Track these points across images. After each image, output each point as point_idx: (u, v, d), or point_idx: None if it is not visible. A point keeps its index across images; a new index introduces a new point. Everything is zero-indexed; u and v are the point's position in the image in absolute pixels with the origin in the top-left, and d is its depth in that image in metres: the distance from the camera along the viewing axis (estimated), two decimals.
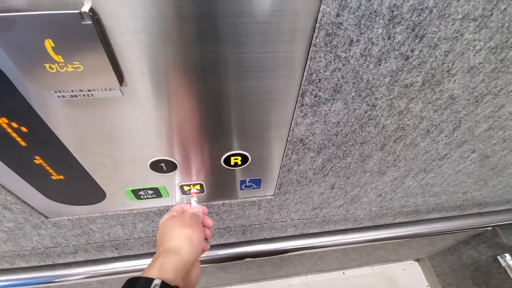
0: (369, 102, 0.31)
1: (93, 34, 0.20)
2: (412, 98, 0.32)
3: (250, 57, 0.24)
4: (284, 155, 0.38)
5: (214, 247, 0.57)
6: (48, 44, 0.20)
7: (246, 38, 0.23)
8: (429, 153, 0.42)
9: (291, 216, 0.57)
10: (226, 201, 0.47)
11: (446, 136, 0.39)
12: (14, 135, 0.28)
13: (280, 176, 0.42)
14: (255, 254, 0.56)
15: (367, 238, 0.63)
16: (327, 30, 0.23)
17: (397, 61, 0.27)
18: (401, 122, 0.35)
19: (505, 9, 0.24)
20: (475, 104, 0.34)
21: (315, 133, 0.34)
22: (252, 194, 0.46)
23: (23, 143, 0.29)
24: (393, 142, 0.39)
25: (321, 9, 0.21)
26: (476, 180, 0.53)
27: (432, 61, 0.27)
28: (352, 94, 0.30)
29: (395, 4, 0.22)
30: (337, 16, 0.22)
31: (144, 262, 0.53)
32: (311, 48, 0.24)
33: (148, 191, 0.40)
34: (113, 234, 0.51)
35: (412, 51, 0.26)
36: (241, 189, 0.44)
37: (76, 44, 0.21)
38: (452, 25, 0.24)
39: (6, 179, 0.34)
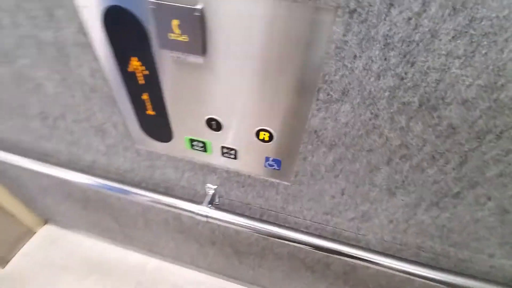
0: (372, 111, 0.39)
1: (199, 21, 0.36)
2: (411, 117, 0.38)
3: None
4: (302, 142, 0.47)
5: (238, 215, 0.66)
6: (175, 22, 0.37)
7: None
8: (439, 184, 0.45)
9: (303, 213, 0.63)
10: (252, 175, 0.58)
11: (454, 169, 0.42)
12: (139, 74, 0.46)
13: (297, 163, 0.52)
14: (276, 235, 0.62)
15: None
16: (337, 44, 0.33)
17: (394, 79, 0.35)
18: (405, 140, 0.41)
19: (485, 53, 0.30)
20: (477, 140, 0.38)
21: (327, 128, 0.44)
22: (273, 175, 0.56)
23: (141, 81, 0.47)
24: (399, 159, 0.44)
25: (333, 29, 0.32)
26: (501, 240, 0.51)
27: (425, 86, 0.34)
28: (358, 100, 0.38)
29: (388, 34, 0.31)
30: (344, 35, 0.33)
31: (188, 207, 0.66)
32: (325, 55, 0.35)
33: (199, 143, 0.55)
34: (167, 176, 0.68)
35: (405, 73, 0.34)
36: (265, 166, 0.55)
37: (189, 25, 0.37)
38: (439, 58, 0.32)
39: (123, 105, 0.54)
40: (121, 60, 0.45)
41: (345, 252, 0.60)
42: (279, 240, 0.67)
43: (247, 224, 0.64)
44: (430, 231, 0.55)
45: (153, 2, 0.36)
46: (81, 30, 0.43)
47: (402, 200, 0.51)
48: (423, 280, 0.57)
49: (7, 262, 1.23)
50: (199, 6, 0.35)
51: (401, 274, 0.59)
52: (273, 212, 0.67)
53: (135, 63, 0.45)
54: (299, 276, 0.93)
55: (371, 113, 0.39)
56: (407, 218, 0.54)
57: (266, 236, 0.66)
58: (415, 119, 0.38)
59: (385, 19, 0.30)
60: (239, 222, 0.64)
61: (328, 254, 0.62)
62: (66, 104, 0.58)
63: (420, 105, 0.36)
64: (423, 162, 0.43)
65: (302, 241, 0.62)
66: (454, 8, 0.27)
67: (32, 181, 0.98)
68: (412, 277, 0.58)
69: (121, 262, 1.26)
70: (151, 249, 1.18)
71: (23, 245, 1.29)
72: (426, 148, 0.41)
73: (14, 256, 1.25)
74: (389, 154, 0.44)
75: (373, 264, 0.59)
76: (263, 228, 0.63)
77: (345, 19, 0.31)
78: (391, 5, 0.29)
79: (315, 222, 0.65)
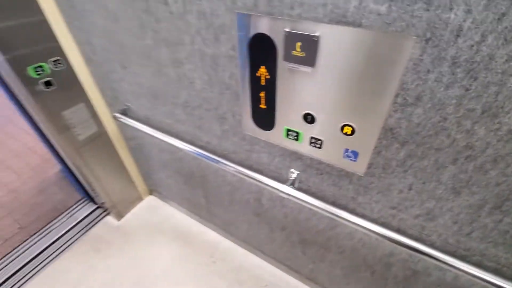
0: (442, 114, 0.50)
1: (315, 44, 0.55)
2: (475, 122, 0.48)
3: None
4: (378, 138, 0.60)
5: (314, 197, 0.81)
6: (298, 43, 0.57)
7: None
8: (500, 186, 0.52)
9: (371, 205, 0.74)
10: (331, 163, 0.73)
11: None
12: (262, 77, 0.68)
13: (371, 156, 0.64)
14: (345, 219, 0.75)
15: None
16: (414, 61, 0.47)
17: (460, 90, 0.46)
18: (469, 141, 0.51)
19: None
20: None
21: (401, 127, 0.56)
22: (349, 165, 0.70)
23: (263, 83, 0.69)
24: (464, 159, 0.53)
25: (412, 51, 0.47)
26: None
27: (487, 97, 0.45)
28: (429, 105, 0.50)
29: (455, 55, 0.44)
30: (420, 56, 0.46)
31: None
32: (405, 69, 0.49)
33: (294, 132, 0.73)
34: (260, 159, 0.88)
35: (470, 85, 0.45)
36: (343, 157, 0.69)
37: (307, 46, 0.56)
38: (496, 75, 0.42)
39: (244, 99, 0.76)
40: (253, 67, 0.67)
41: (409, 244, 0.68)
42: (345, 231, 0.78)
43: (319, 206, 0.78)
44: (494, 236, 0.59)
45: (287, 31, 0.56)
46: (233, 47, 0.67)
47: (467, 200, 0.58)
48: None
49: (122, 217, 1.61)
50: (317, 34, 0.53)
51: (465, 276, 0.63)
52: (343, 202, 0.79)
53: (262, 70, 0.66)
54: (358, 277, 0.99)
55: (440, 117, 0.51)
56: (471, 220, 0.60)
57: (335, 219, 0.78)
58: (479, 124, 0.48)
59: (453, 45, 0.43)
60: (314, 203, 0.78)
61: (391, 246, 0.70)
62: (204, 97, 0.84)
63: (483, 112, 0.46)
64: (486, 164, 0.51)
65: (368, 228, 0.72)
66: (505, 40, 0.39)
67: (157, 156, 1.31)
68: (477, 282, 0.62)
69: (201, 236, 1.51)
70: (226, 229, 1.40)
71: (134, 207, 1.67)
72: (489, 151, 0.50)
73: (127, 214, 1.63)
74: (455, 153, 0.54)
75: (436, 261, 0.65)
76: (334, 212, 0.76)
77: (422, 45, 0.45)
78: (458, 36, 0.42)
79: (382, 216, 0.74)
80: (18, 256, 1.46)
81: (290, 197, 0.81)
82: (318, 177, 0.79)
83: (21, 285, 1.33)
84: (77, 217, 1.63)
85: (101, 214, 1.63)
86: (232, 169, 0.91)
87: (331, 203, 0.79)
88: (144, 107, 1.10)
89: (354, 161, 0.68)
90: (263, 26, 0.59)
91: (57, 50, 1.04)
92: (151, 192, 1.72)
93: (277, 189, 0.83)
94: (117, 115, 1.16)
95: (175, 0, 0.67)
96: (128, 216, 1.63)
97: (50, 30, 0.99)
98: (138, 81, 1.00)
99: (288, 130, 0.74)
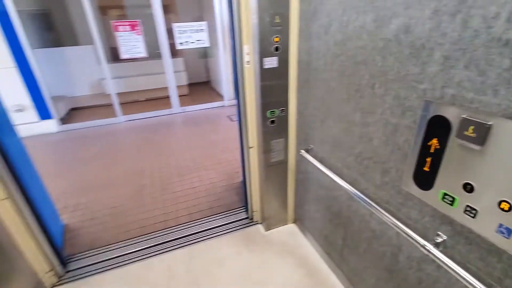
0: None
1: (487, 129, 0.74)
2: None
3: None
4: None
5: (460, 266, 0.87)
6: (471, 127, 0.77)
7: None
8: None
9: None
10: (482, 235, 0.79)
11: None
12: (432, 147, 0.89)
13: None
14: None
15: None
16: None
17: None
18: None
19: None
20: None
21: None
22: (500, 242, 0.75)
23: (431, 151, 0.90)
24: None
25: None
26: None
27: None
28: None
29: None
30: None
31: None
32: None
33: (450, 197, 0.87)
34: (409, 214, 1.02)
35: None
36: (496, 231, 0.75)
37: (479, 129, 0.75)
38: None
39: (410, 160, 0.98)
40: (427, 137, 0.90)
41: None
42: None
43: (463, 276, 0.83)
44: None
45: (464, 117, 0.78)
46: (414, 121, 0.94)
47: None
48: None
49: (269, 229, 2.03)
50: (490, 123, 0.72)
51: None
52: (488, 280, 0.80)
53: (434, 141, 0.88)
54: None
55: None
56: None
57: None
58: None
59: None
60: (457, 270, 0.84)
61: None
62: (377, 152, 1.13)
63: None
64: None
65: None
66: None
67: (315, 190, 1.67)
68: None
69: (323, 275, 1.66)
70: (351, 278, 1.49)
71: (279, 226, 2.06)
72: None
73: (273, 228, 2.04)
74: None
75: None
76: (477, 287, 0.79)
77: None
78: None
79: None
80: (196, 225, 2.16)
81: (432, 256, 0.90)
82: (465, 246, 0.85)
83: (190, 243, 1.97)
84: (240, 216, 2.21)
85: (253, 222, 2.13)
86: (380, 216, 1.10)
87: (476, 278, 0.81)
88: (323, 150, 1.51)
89: (507, 238, 0.73)
90: (444, 110, 0.83)
91: (285, 103, 1.67)
92: (295, 220, 2.07)
93: (420, 244, 0.94)
94: (302, 151, 1.63)
95: (380, 86, 1.04)
96: (273, 230, 2.03)
97: (286, 92, 1.64)
98: (327, 132, 1.43)
99: (445, 194, 0.88)
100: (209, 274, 1.71)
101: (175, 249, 1.93)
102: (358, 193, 1.24)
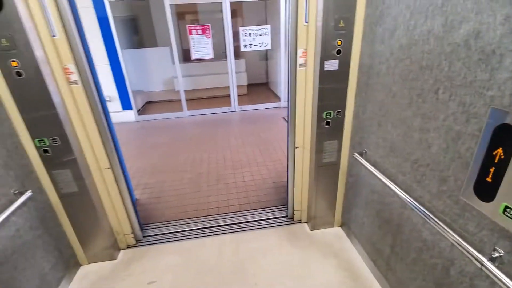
0: None
1: None
2: None
3: None
4: None
5: None
6: None
7: None
8: None
9: None
10: None
11: None
12: (497, 156, 0.85)
13: None
14: None
15: None
16: None
17: None
18: None
19: None
20: None
21: None
22: None
23: (496, 161, 0.86)
24: None
25: None
26: None
27: None
28: None
29: None
30: None
31: None
32: None
33: (511, 210, 0.82)
34: (466, 226, 0.98)
35: None
36: None
37: None
38: None
39: (473, 169, 0.94)
40: (492, 147, 0.86)
41: None
42: None
43: None
44: None
45: None
46: (479, 129, 0.90)
47: None
48: None
49: (314, 229, 2.07)
50: None
51: None
52: None
53: (499, 150, 0.84)
54: None
55: None
56: None
57: None
58: None
59: None
60: None
61: None
62: (435, 159, 1.10)
63: None
64: None
65: None
66: None
67: (366, 195, 1.66)
68: None
69: (367, 283, 1.64)
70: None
71: (325, 228, 2.08)
72: None
73: (318, 229, 2.07)
74: None
75: None
76: None
77: None
78: None
79: None
80: (245, 215, 2.30)
81: (486, 272, 0.86)
82: None
83: (238, 231, 2.12)
84: (280, 214, 2.28)
85: (293, 221, 2.18)
86: (434, 226, 1.07)
87: None
88: (378, 155, 1.49)
89: None
90: None
91: (342, 106, 1.69)
92: (342, 224, 2.07)
93: (475, 258, 0.90)
94: (356, 154, 1.64)
95: (444, 91, 1.02)
96: (318, 231, 2.06)
97: (345, 94, 1.66)
98: (384, 136, 1.42)
99: (506, 207, 0.83)
100: (254, 261, 1.84)
101: (225, 233, 2.11)
102: (412, 200, 1.22)
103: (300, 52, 1.64)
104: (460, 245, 0.97)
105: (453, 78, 0.97)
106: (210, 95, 6.45)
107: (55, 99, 1.42)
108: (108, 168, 1.77)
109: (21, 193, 1.42)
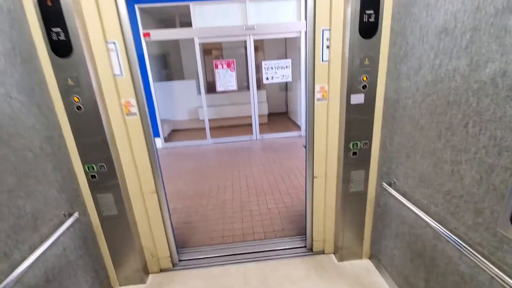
0: None
1: None
2: None
3: None
4: None
5: None
6: None
7: None
8: None
9: None
10: None
11: None
12: None
13: None
14: None
15: None
16: None
17: None
18: None
19: None
20: None
21: None
22: None
23: None
24: None
25: None
26: None
27: None
28: None
29: None
30: None
31: None
32: None
33: None
34: (505, 259, 0.97)
35: None
36: None
37: None
38: None
39: (509, 202, 0.95)
40: None
41: None
42: None
43: None
44: None
45: None
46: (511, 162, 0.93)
47: None
48: None
49: (342, 260, 2.03)
50: None
51: None
52: None
53: None
54: None
55: None
56: None
57: None
58: None
59: None
60: None
61: None
62: (468, 191, 1.11)
63: None
64: None
65: None
66: None
67: (395, 226, 1.65)
68: None
69: None
70: None
71: (353, 259, 2.04)
72: None
73: (346, 260, 2.03)
74: None
75: None
76: None
77: None
78: None
79: None
80: (270, 243, 2.30)
81: None
82: None
83: (264, 259, 2.11)
84: (299, 244, 2.27)
85: (312, 252, 2.16)
86: (472, 259, 1.06)
87: None
88: (407, 185, 1.51)
89: None
90: None
91: (368, 137, 1.75)
92: (371, 256, 2.02)
93: None
94: (384, 184, 1.66)
95: (474, 125, 1.07)
96: (346, 263, 2.02)
97: (371, 126, 1.73)
98: (413, 167, 1.45)
99: None
100: None
101: (250, 261, 2.11)
102: (447, 232, 1.21)
103: (318, 87, 1.76)
104: (501, 279, 0.96)
105: (482, 113, 1.02)
106: (233, 124, 6.69)
107: (107, 129, 1.59)
108: (154, 192, 1.89)
109: (70, 215, 1.54)
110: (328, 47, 1.67)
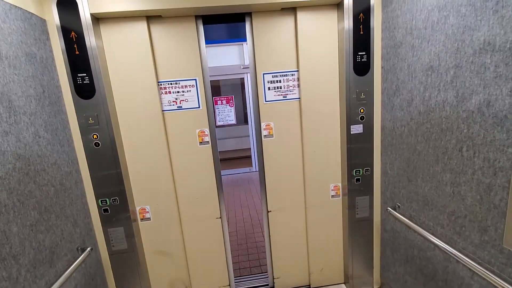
0: None
1: None
2: None
3: None
4: None
5: None
6: None
7: None
8: None
9: None
10: None
11: None
12: None
13: None
14: None
15: None
16: None
17: None
18: None
19: None
20: None
21: None
22: None
23: None
24: None
25: None
26: None
27: None
28: None
29: None
30: None
31: None
32: None
33: None
34: None
35: None
36: None
37: None
38: None
39: (511, 219, 1.03)
40: None
41: None
42: None
43: None
44: None
45: None
46: (508, 181, 1.02)
47: None
48: None
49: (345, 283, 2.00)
50: None
51: None
52: None
53: None
54: None
55: None
56: None
57: None
58: None
59: None
60: None
61: None
62: (471, 211, 1.19)
63: None
64: None
65: None
66: None
67: (404, 250, 1.68)
68: None
69: None
70: None
71: None
72: None
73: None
74: None
75: None
76: None
77: None
78: None
79: None
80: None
81: None
82: None
83: None
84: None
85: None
86: (484, 277, 1.10)
87: None
88: (411, 209, 1.58)
89: None
90: None
91: (369, 164, 1.85)
92: (382, 284, 2.00)
93: None
94: (389, 209, 1.72)
95: (467, 149, 1.17)
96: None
97: (371, 153, 1.83)
98: (415, 191, 1.53)
99: None
100: None
101: None
102: (457, 253, 1.26)
103: (263, 125, 1.89)
104: None
105: (473, 138, 1.14)
106: (232, 156, 6.78)
107: (122, 163, 1.66)
108: (219, 218, 1.96)
109: (83, 250, 1.54)
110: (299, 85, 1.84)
